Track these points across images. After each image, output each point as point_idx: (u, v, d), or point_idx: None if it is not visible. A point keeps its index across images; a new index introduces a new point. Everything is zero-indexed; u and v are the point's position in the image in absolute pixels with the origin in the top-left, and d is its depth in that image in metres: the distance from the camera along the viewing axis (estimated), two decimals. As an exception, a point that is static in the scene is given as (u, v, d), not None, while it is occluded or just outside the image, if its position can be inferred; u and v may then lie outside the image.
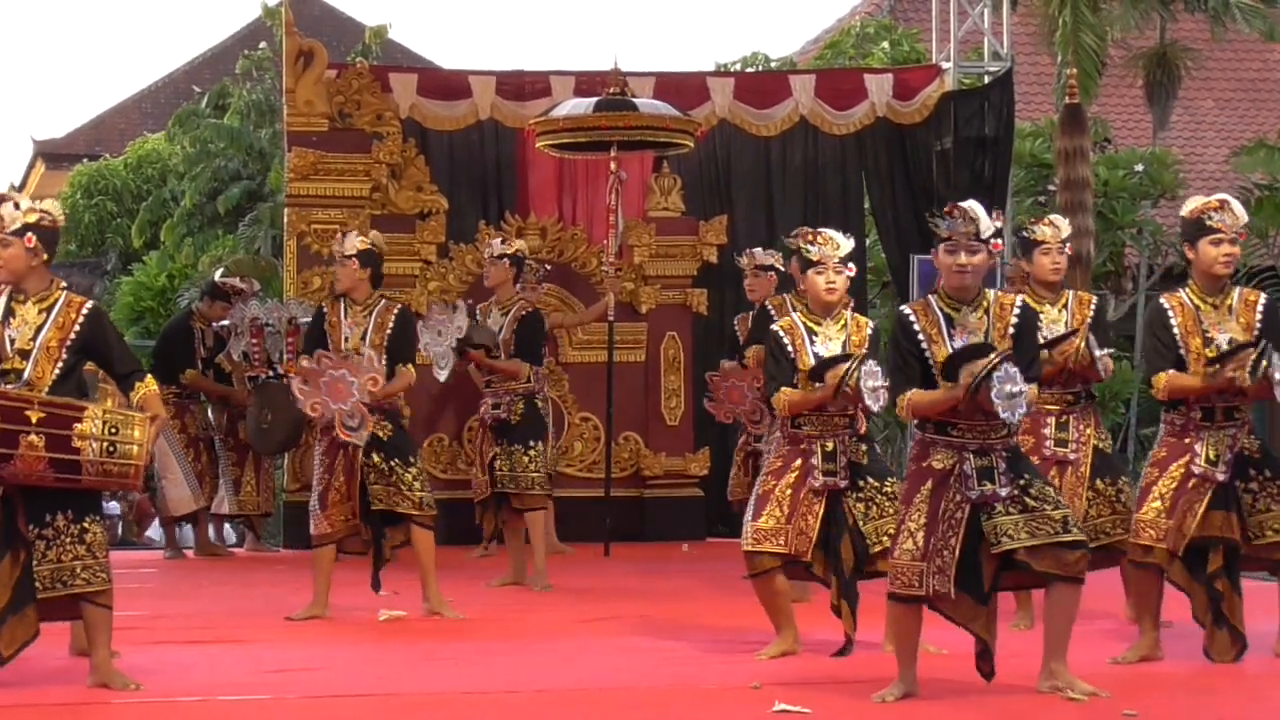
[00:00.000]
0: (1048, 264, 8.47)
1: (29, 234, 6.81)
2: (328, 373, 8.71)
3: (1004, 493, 6.60)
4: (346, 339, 8.92)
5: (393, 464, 8.83)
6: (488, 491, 10.49)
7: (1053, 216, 8.73)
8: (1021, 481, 6.63)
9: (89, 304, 6.89)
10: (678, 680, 7.25)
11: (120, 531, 18.02)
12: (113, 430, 6.61)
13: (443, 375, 10.52)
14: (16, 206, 6.85)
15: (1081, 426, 8.52)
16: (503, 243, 10.83)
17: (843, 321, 7.66)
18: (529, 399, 10.45)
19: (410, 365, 8.98)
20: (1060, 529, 6.59)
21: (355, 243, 9.05)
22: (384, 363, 8.86)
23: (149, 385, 6.85)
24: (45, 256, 6.88)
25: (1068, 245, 8.53)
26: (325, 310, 9.15)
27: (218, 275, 13.23)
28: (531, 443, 10.38)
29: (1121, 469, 8.67)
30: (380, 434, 8.82)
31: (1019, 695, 6.78)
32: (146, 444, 6.68)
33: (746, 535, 7.58)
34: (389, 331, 8.92)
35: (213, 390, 12.42)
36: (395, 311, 9.01)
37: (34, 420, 6.54)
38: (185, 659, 7.76)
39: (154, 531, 17.30)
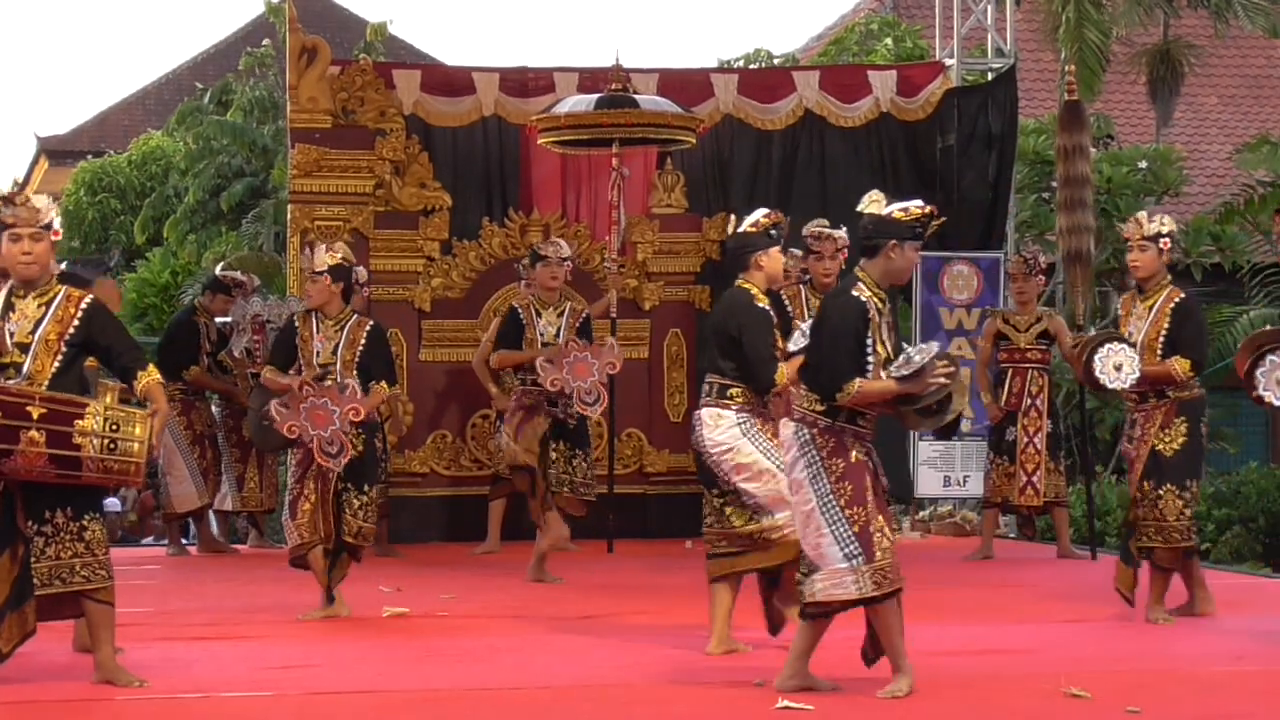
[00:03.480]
0: (1129, 260, 8.81)
1: (55, 229, 6.85)
2: (309, 399, 8.73)
3: (884, 483, 6.77)
4: (318, 354, 8.94)
5: (346, 485, 8.83)
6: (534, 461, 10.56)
7: (1139, 214, 8.97)
8: None
9: (88, 298, 6.88)
10: (681, 677, 7.25)
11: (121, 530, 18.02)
12: (113, 427, 6.61)
13: (595, 411, 10.72)
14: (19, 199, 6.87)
15: (1146, 426, 8.64)
16: (568, 245, 11.30)
17: None
18: None
19: (384, 383, 8.97)
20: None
21: (325, 258, 9.06)
22: (357, 379, 8.87)
23: (151, 374, 6.81)
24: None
25: (1162, 240, 8.68)
26: (296, 323, 9.14)
27: (219, 269, 13.23)
28: (588, 449, 10.86)
29: (1176, 474, 8.57)
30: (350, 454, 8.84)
31: (1022, 693, 6.79)
32: (148, 440, 6.67)
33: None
34: (360, 348, 8.93)
35: (216, 387, 12.42)
36: (367, 328, 9.01)
37: (35, 416, 6.55)
38: (189, 655, 7.77)
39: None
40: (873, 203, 6.80)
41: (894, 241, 6.71)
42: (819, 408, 6.66)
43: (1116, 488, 17.15)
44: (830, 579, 6.64)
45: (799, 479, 6.71)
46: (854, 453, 6.66)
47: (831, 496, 6.61)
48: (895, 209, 6.75)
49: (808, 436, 6.66)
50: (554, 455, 10.70)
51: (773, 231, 7.67)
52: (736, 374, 7.54)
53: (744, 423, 7.54)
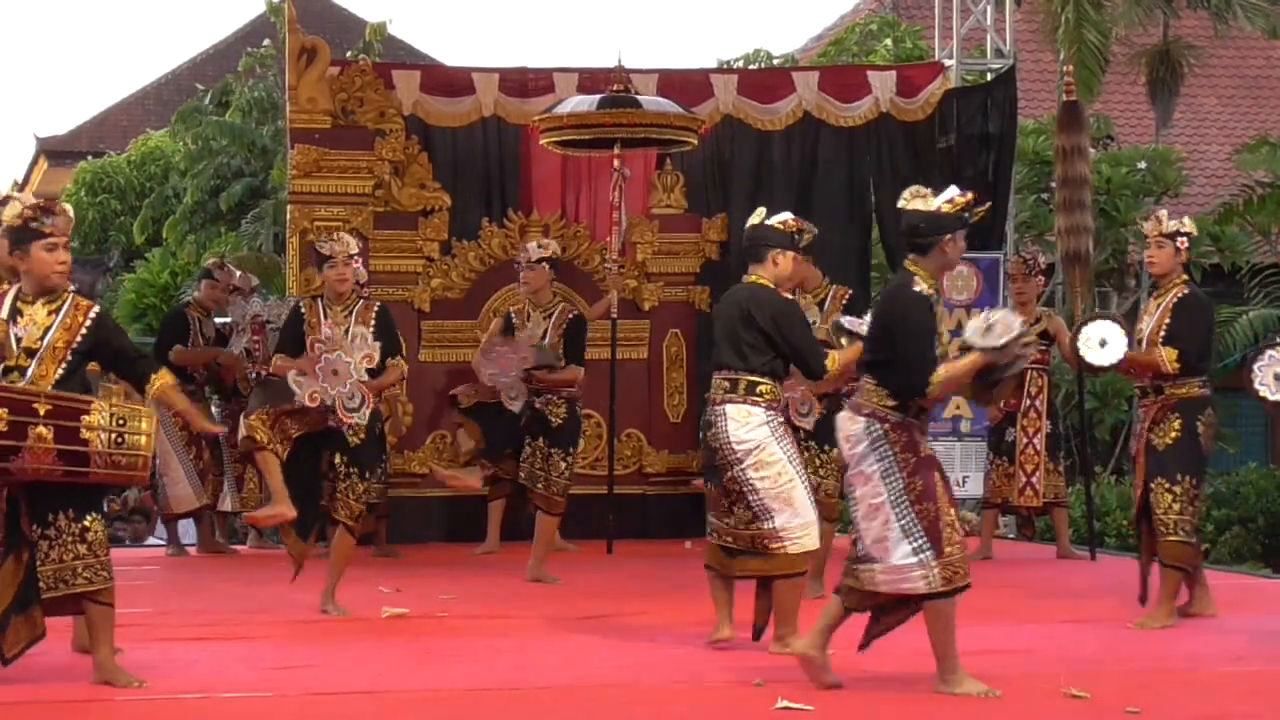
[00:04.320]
0: (1146, 257, 8.95)
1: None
2: (323, 358, 8.75)
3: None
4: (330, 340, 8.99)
5: (350, 471, 8.87)
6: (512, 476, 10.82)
7: (1160, 211, 9.03)
8: None
9: (95, 308, 6.90)
10: (681, 677, 7.26)
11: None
12: (120, 422, 6.64)
13: (517, 405, 10.75)
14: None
15: (1143, 422, 8.77)
16: (539, 246, 11.06)
17: None
18: (571, 403, 10.81)
19: (400, 358, 9.09)
20: None
21: (355, 243, 9.14)
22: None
23: (163, 378, 6.90)
24: None
25: (1179, 239, 8.70)
26: (303, 310, 9.19)
27: (209, 263, 13.32)
28: (571, 449, 10.79)
29: (1165, 468, 8.60)
30: (352, 439, 8.86)
31: (1025, 692, 6.78)
32: (154, 435, 6.72)
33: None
34: (371, 329, 8.97)
35: (201, 358, 12.29)
36: (375, 309, 9.07)
37: (42, 413, 6.56)
38: (188, 656, 7.77)
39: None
40: (917, 198, 6.78)
41: (949, 236, 6.72)
42: (890, 402, 6.66)
43: (1116, 488, 17.18)
44: (894, 573, 6.64)
45: (866, 472, 6.67)
46: (923, 446, 6.70)
47: (903, 491, 6.62)
48: (941, 202, 6.74)
49: (880, 432, 6.65)
50: (529, 451, 10.73)
51: (795, 236, 7.70)
52: (767, 369, 7.51)
53: (772, 421, 7.54)
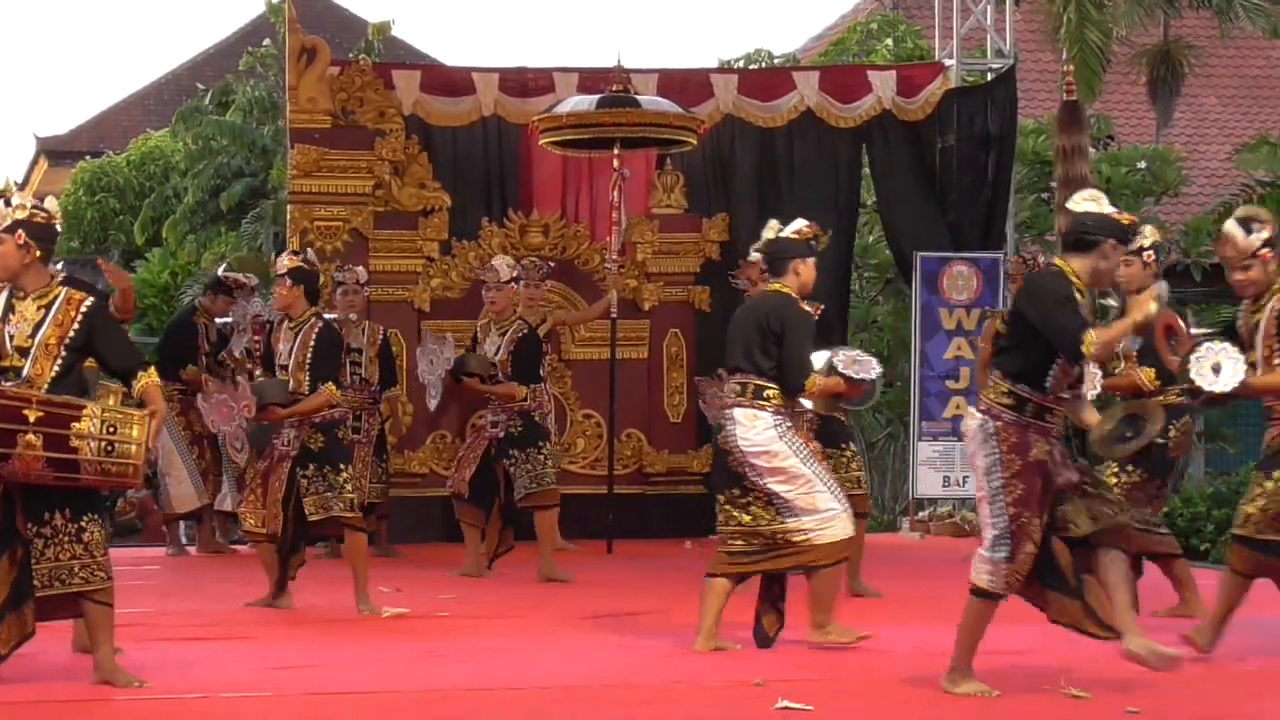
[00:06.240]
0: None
1: (19, 230, 6.79)
2: (214, 396, 9.04)
3: (1074, 478, 6.68)
4: (280, 355, 9.11)
5: (324, 470, 8.96)
6: (465, 491, 10.57)
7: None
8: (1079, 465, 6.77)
9: (89, 301, 6.87)
10: (681, 677, 7.26)
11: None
12: (111, 429, 6.59)
13: (433, 404, 10.87)
14: (7, 203, 6.83)
15: None
16: (508, 266, 10.89)
17: None
18: (527, 416, 10.55)
19: (330, 384, 8.99)
20: (1118, 510, 6.70)
21: (284, 261, 9.22)
22: (308, 380, 8.97)
23: (150, 376, 6.83)
24: (39, 253, 6.84)
25: (1144, 253, 8.46)
26: (274, 323, 9.34)
27: (221, 270, 13.24)
28: (539, 443, 10.53)
29: (1159, 469, 8.64)
30: (312, 446, 8.97)
31: (1026, 693, 6.79)
32: (145, 442, 6.66)
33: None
34: (310, 349, 9.02)
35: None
36: (317, 330, 9.07)
37: (31, 419, 6.53)
38: (188, 656, 7.76)
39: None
40: (1090, 200, 6.73)
41: (1112, 241, 6.66)
42: (1006, 401, 6.63)
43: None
44: (977, 561, 6.68)
45: (977, 464, 6.69)
46: (1034, 450, 6.62)
47: (1002, 490, 6.60)
48: (1112, 210, 6.72)
49: (993, 429, 6.63)
50: (508, 466, 10.45)
51: (812, 242, 7.77)
52: (775, 373, 7.57)
53: (779, 425, 7.57)
